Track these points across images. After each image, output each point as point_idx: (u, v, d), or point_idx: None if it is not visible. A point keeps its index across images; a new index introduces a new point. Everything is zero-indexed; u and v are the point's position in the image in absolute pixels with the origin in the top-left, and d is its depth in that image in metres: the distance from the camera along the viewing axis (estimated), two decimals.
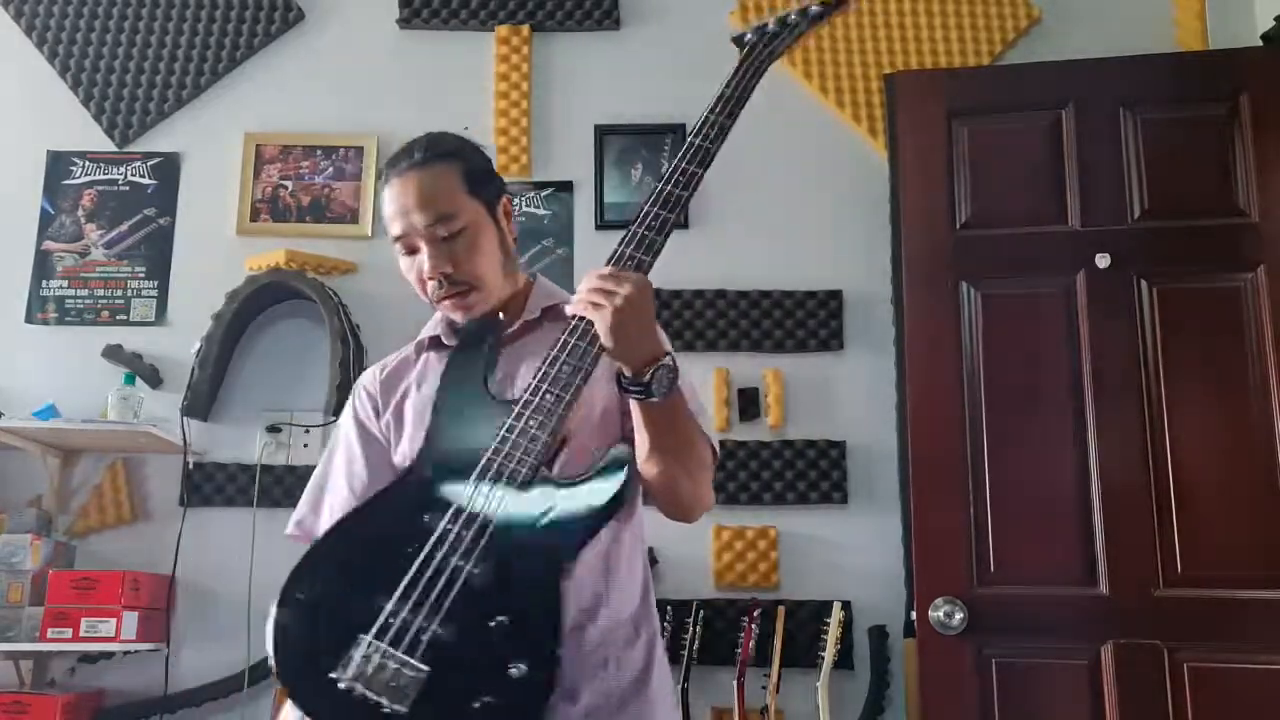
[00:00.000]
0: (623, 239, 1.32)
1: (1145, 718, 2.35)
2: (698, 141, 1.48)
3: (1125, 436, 2.48)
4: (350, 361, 2.82)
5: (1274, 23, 2.74)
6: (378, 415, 1.54)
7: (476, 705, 1.16)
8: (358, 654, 1.20)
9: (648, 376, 1.26)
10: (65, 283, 3.04)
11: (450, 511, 1.26)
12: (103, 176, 3.11)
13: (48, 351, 2.98)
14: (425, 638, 1.19)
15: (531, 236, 3.05)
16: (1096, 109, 2.66)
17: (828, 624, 2.66)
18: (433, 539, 1.24)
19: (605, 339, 1.24)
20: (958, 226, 2.67)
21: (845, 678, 2.74)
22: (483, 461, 1.27)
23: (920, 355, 2.62)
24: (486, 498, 1.25)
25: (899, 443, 2.78)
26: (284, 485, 2.87)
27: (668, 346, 1.30)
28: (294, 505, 2.90)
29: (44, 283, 3.04)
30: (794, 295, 2.98)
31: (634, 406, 1.32)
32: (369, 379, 1.59)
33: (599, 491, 1.26)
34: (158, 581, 2.75)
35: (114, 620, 2.54)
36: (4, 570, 2.58)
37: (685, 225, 3.04)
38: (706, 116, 1.52)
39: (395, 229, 1.49)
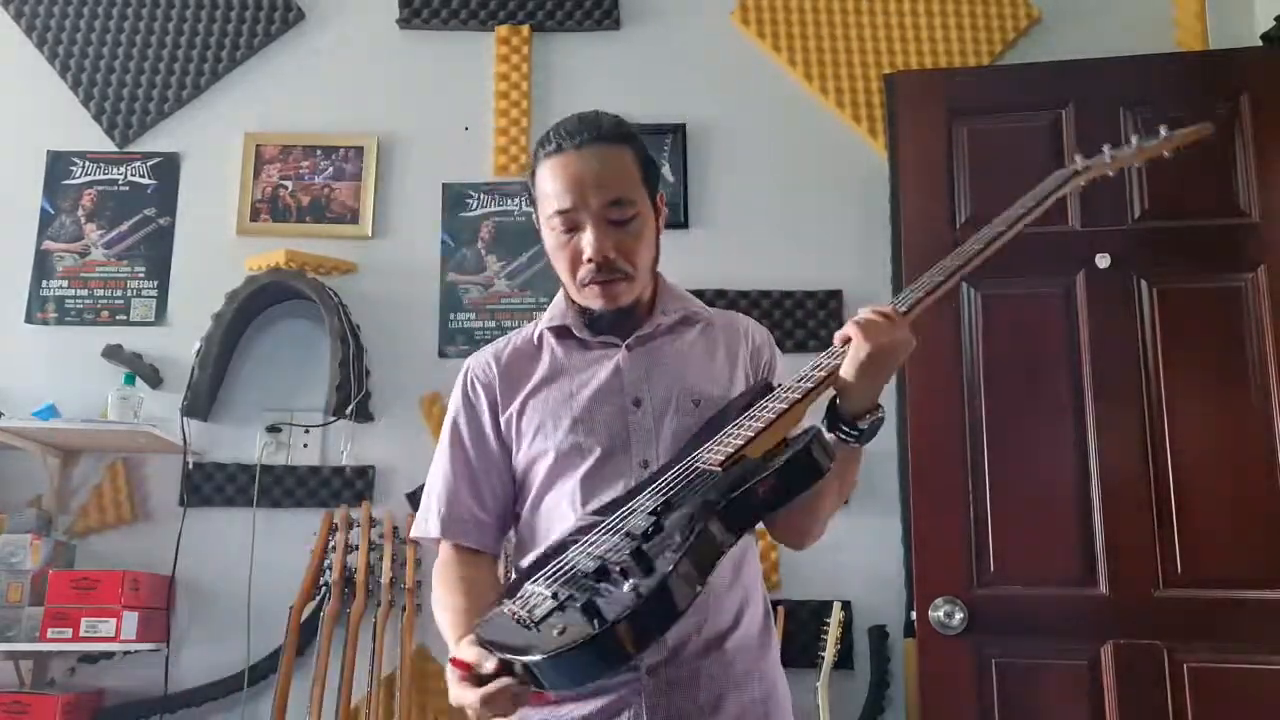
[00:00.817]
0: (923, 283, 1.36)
1: (1145, 718, 2.35)
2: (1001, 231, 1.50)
3: (1125, 436, 2.48)
4: (350, 361, 2.82)
5: (1274, 23, 2.74)
6: (497, 410, 1.47)
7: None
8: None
9: (865, 424, 1.28)
10: (65, 283, 3.04)
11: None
12: (103, 176, 3.11)
13: (48, 351, 2.98)
14: (572, 571, 1.14)
15: (531, 236, 3.03)
16: (1096, 109, 2.66)
17: (828, 624, 2.66)
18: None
19: (850, 368, 1.25)
20: (958, 226, 2.67)
21: (845, 678, 2.74)
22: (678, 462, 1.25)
23: (920, 355, 2.61)
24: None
25: (899, 443, 2.78)
26: (284, 485, 2.87)
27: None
28: (294, 505, 2.90)
29: (44, 283, 3.04)
30: (794, 295, 2.98)
31: (840, 449, 1.30)
32: (481, 368, 1.50)
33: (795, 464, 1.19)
34: (158, 581, 2.75)
35: (114, 620, 2.54)
36: (4, 570, 2.58)
37: (685, 225, 3.05)
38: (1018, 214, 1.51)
39: (562, 203, 1.38)
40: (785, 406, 1.25)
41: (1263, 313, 2.50)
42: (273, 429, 2.90)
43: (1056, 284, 2.60)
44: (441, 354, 2.97)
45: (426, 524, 1.47)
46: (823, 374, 1.27)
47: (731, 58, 3.18)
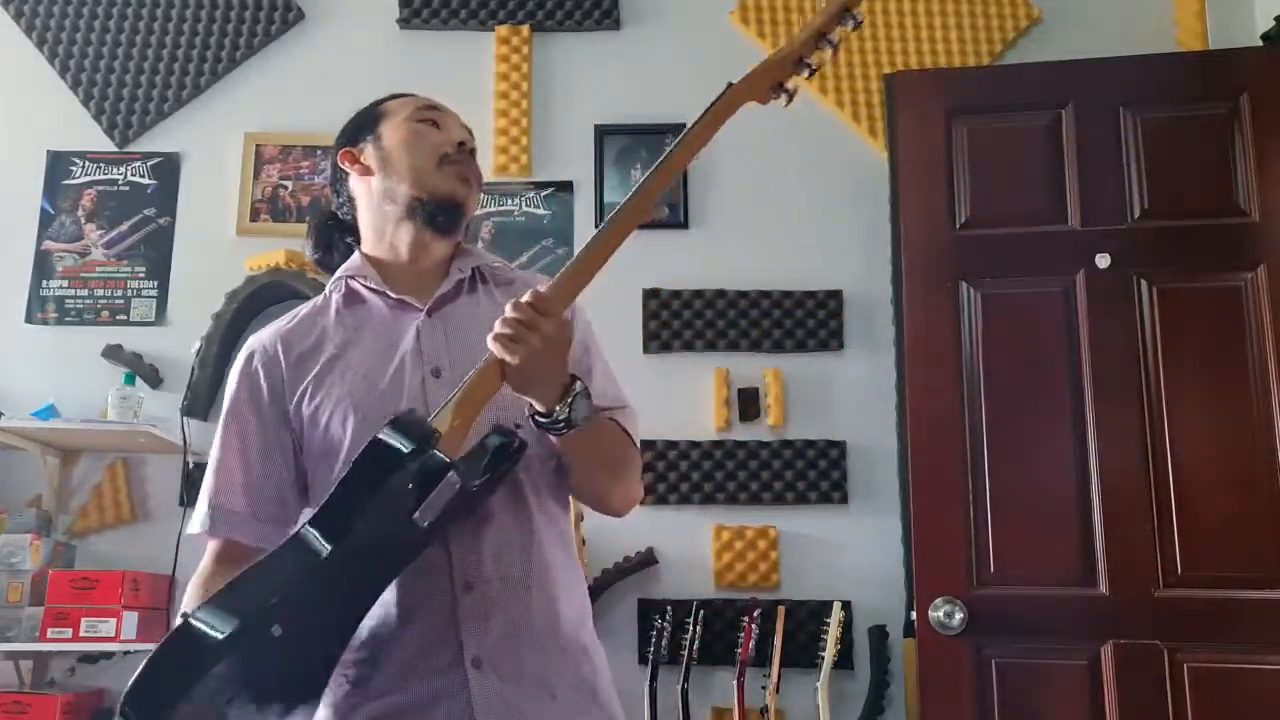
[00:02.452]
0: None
1: (1145, 718, 2.35)
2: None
3: (1125, 436, 2.48)
4: None
5: (1274, 23, 2.74)
6: (282, 393, 1.36)
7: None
8: None
9: (566, 412, 1.23)
10: (65, 283, 3.04)
11: None
12: (103, 176, 3.11)
13: (48, 351, 2.98)
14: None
15: (531, 236, 3.05)
16: (1096, 109, 2.66)
17: (828, 624, 2.66)
18: None
19: (513, 377, 1.21)
20: (958, 226, 2.67)
21: (845, 678, 2.74)
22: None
23: (920, 355, 2.62)
24: None
25: (899, 443, 2.78)
26: None
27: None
28: None
29: (44, 283, 3.04)
30: (794, 295, 2.98)
31: (554, 439, 1.28)
32: (263, 346, 1.39)
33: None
34: (157, 581, 2.75)
35: (114, 620, 2.54)
36: (4, 570, 2.58)
37: (685, 225, 3.05)
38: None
39: (426, 105, 1.49)
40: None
41: (1263, 313, 2.50)
42: None
43: (1056, 284, 2.60)
44: None
45: (204, 521, 1.34)
46: (478, 380, 1.23)
47: (731, 58, 3.17)
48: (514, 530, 1.31)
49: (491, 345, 1.21)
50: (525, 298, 1.21)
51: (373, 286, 1.40)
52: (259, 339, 1.40)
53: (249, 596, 1.16)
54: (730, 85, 1.39)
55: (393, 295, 1.39)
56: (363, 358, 1.35)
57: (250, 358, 1.38)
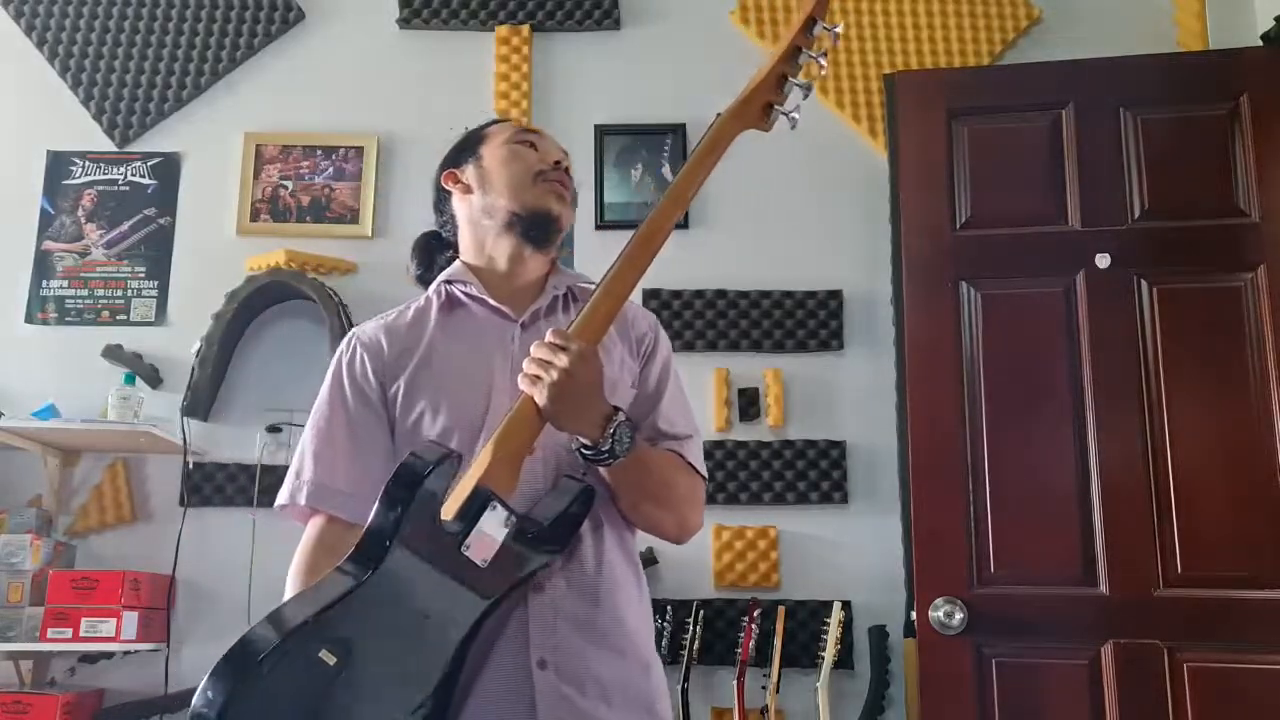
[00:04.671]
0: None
1: (1145, 718, 2.35)
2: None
3: (1125, 436, 2.48)
4: None
5: (1274, 23, 2.74)
6: (382, 381, 1.43)
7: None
8: None
9: (607, 443, 1.27)
10: (65, 283, 3.04)
11: None
12: (103, 176, 3.11)
13: (48, 351, 2.98)
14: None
15: None
16: (1096, 109, 2.66)
17: (828, 624, 2.66)
18: None
19: (545, 412, 1.25)
20: (958, 226, 2.67)
21: (845, 678, 2.74)
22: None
23: (920, 355, 2.62)
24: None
25: (899, 443, 2.78)
26: None
27: (615, 403, 1.30)
28: None
29: (44, 283, 3.04)
30: (794, 295, 2.98)
31: (602, 470, 1.32)
32: (369, 335, 1.48)
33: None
34: (158, 581, 2.75)
35: (114, 620, 2.54)
36: (4, 570, 2.58)
37: (685, 225, 3.05)
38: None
39: (529, 130, 1.55)
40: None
41: (1263, 313, 2.50)
42: (273, 429, 2.90)
43: (1056, 284, 2.60)
44: None
45: (292, 494, 1.41)
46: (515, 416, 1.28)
47: (731, 58, 3.17)
48: (588, 541, 1.36)
49: (520, 383, 1.27)
50: (548, 335, 1.27)
51: (472, 293, 1.47)
52: (363, 329, 1.48)
53: (295, 613, 1.18)
54: (718, 116, 1.41)
55: (491, 302, 1.45)
56: (456, 358, 1.41)
57: (353, 345, 1.46)
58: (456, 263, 1.52)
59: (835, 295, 2.98)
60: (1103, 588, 2.43)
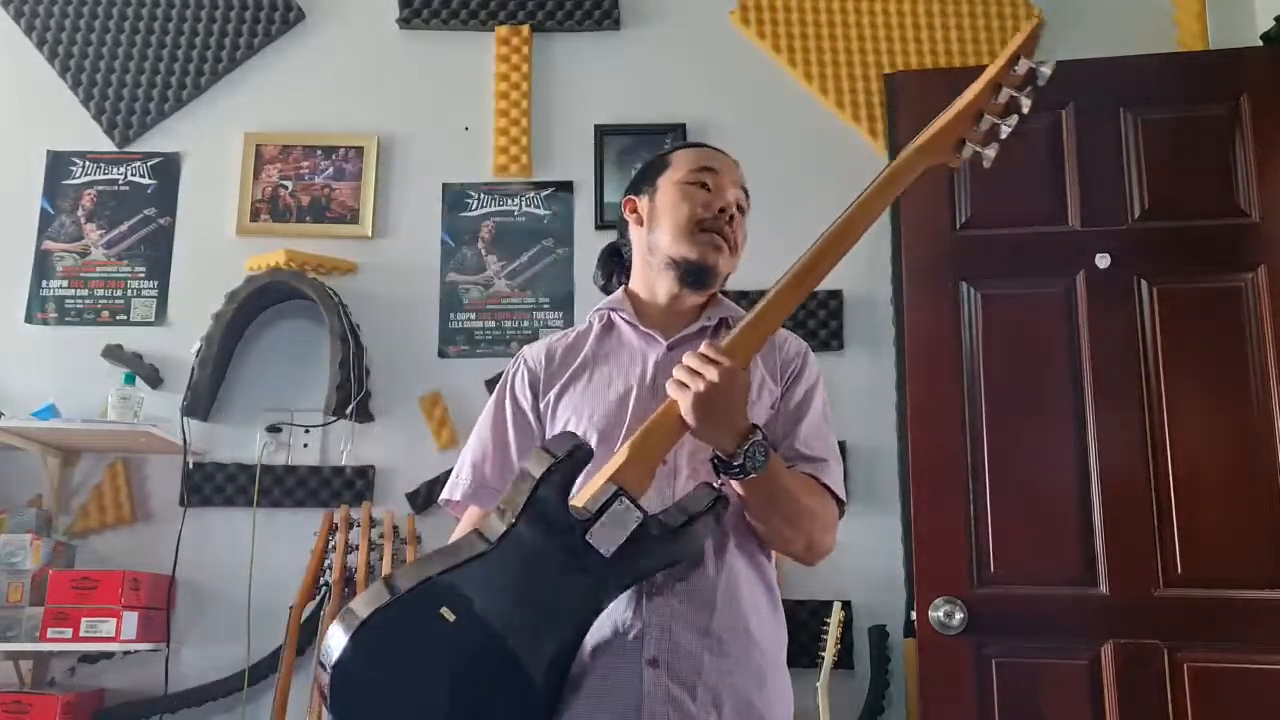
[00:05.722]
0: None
1: (1145, 718, 2.35)
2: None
3: (1125, 436, 2.48)
4: (350, 361, 2.82)
5: (1274, 23, 2.74)
6: (538, 394, 1.53)
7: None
8: None
9: (741, 458, 1.30)
10: (65, 283, 3.04)
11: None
12: (103, 176, 3.11)
13: (48, 351, 2.98)
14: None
15: (531, 236, 3.05)
16: (1096, 109, 2.66)
17: (828, 624, 2.66)
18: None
19: (688, 419, 1.29)
20: (958, 226, 2.67)
21: (845, 678, 2.74)
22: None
23: (920, 355, 2.62)
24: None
25: (899, 443, 2.78)
26: (284, 485, 2.86)
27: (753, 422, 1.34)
28: (295, 505, 2.92)
29: (44, 283, 3.04)
30: None
31: (735, 484, 1.35)
32: (533, 353, 1.58)
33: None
34: (158, 581, 2.75)
35: (114, 620, 2.54)
36: (4, 570, 2.58)
37: None
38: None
39: (705, 162, 1.54)
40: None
41: (1263, 313, 2.50)
42: (273, 429, 2.90)
43: (1056, 284, 2.60)
44: (441, 354, 2.97)
45: (454, 489, 1.52)
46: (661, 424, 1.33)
47: (731, 58, 3.18)
48: (711, 548, 1.38)
49: (668, 388, 1.32)
50: (701, 347, 1.32)
51: (626, 318, 1.55)
52: (531, 346, 1.60)
53: (425, 568, 1.24)
54: (905, 149, 1.43)
55: (641, 327, 1.53)
56: (605, 374, 1.50)
57: (519, 361, 1.58)
58: (619, 291, 1.60)
59: (835, 295, 2.98)
60: (1103, 588, 2.43)
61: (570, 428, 1.45)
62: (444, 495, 1.54)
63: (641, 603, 1.34)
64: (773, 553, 1.49)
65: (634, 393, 1.46)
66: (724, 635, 1.36)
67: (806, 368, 1.56)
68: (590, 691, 1.32)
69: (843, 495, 1.49)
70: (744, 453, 1.30)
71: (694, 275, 1.52)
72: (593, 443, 1.39)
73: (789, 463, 1.45)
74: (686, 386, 1.29)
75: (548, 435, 1.50)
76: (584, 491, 1.30)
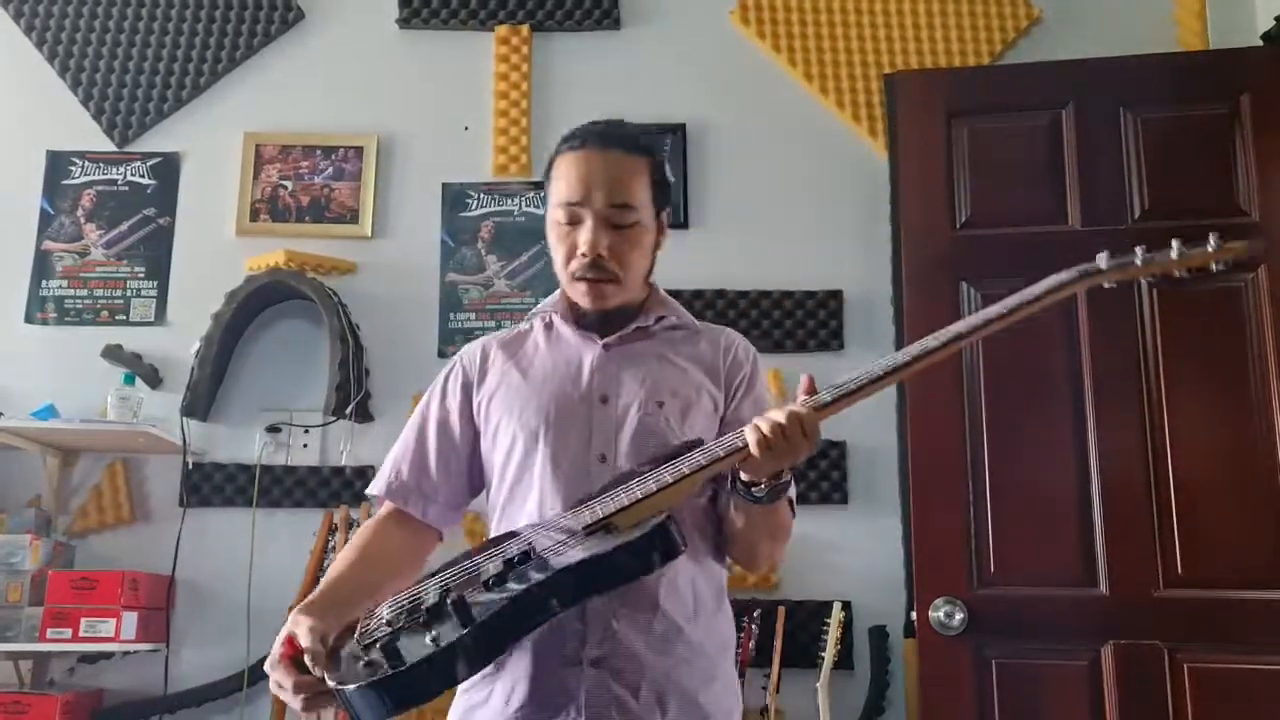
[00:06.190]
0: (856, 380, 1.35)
1: (1145, 718, 2.35)
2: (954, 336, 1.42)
3: (1125, 437, 2.48)
4: (350, 361, 2.82)
5: (1274, 23, 2.74)
6: (471, 393, 1.52)
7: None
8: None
9: (763, 490, 1.30)
10: (65, 283, 3.04)
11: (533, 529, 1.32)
12: (102, 176, 3.11)
13: (48, 351, 2.98)
14: (416, 601, 1.25)
15: (531, 236, 3.05)
16: (1096, 109, 2.66)
17: (828, 624, 2.66)
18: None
19: (756, 468, 1.27)
20: (958, 226, 2.67)
21: (845, 678, 2.74)
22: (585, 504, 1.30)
23: None
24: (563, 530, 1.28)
25: (899, 443, 2.78)
26: (283, 485, 2.86)
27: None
28: (294, 505, 2.92)
29: (44, 283, 3.04)
30: (794, 295, 2.98)
31: (734, 499, 1.35)
32: (470, 353, 1.57)
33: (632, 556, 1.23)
34: (157, 581, 2.75)
35: (113, 620, 2.54)
36: (3, 570, 2.58)
37: (685, 225, 3.05)
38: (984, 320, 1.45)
39: (569, 195, 1.45)
40: (669, 481, 1.26)
41: (1263, 313, 2.50)
42: (272, 429, 2.90)
43: None
44: (441, 354, 2.97)
45: (375, 484, 1.53)
46: (720, 455, 1.28)
47: (731, 58, 3.17)
48: None
49: (748, 434, 1.25)
50: (800, 409, 1.26)
51: (563, 320, 1.52)
52: (470, 346, 1.58)
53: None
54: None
55: (579, 328, 1.51)
56: (540, 373, 1.48)
57: (458, 360, 1.56)
58: (558, 292, 1.56)
59: (835, 295, 2.98)
60: (1103, 588, 2.43)
61: (502, 427, 1.45)
62: (371, 489, 1.55)
63: (584, 603, 1.31)
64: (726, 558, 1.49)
65: (568, 392, 1.45)
66: (668, 634, 1.36)
67: (756, 375, 1.54)
68: (533, 692, 1.31)
69: (795, 507, 1.48)
70: (767, 485, 1.30)
71: (586, 316, 1.50)
72: (522, 441, 1.42)
73: None
74: (771, 448, 1.24)
75: (483, 434, 1.49)
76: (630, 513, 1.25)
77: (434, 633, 1.15)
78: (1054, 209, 2.65)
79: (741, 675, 2.63)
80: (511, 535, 1.34)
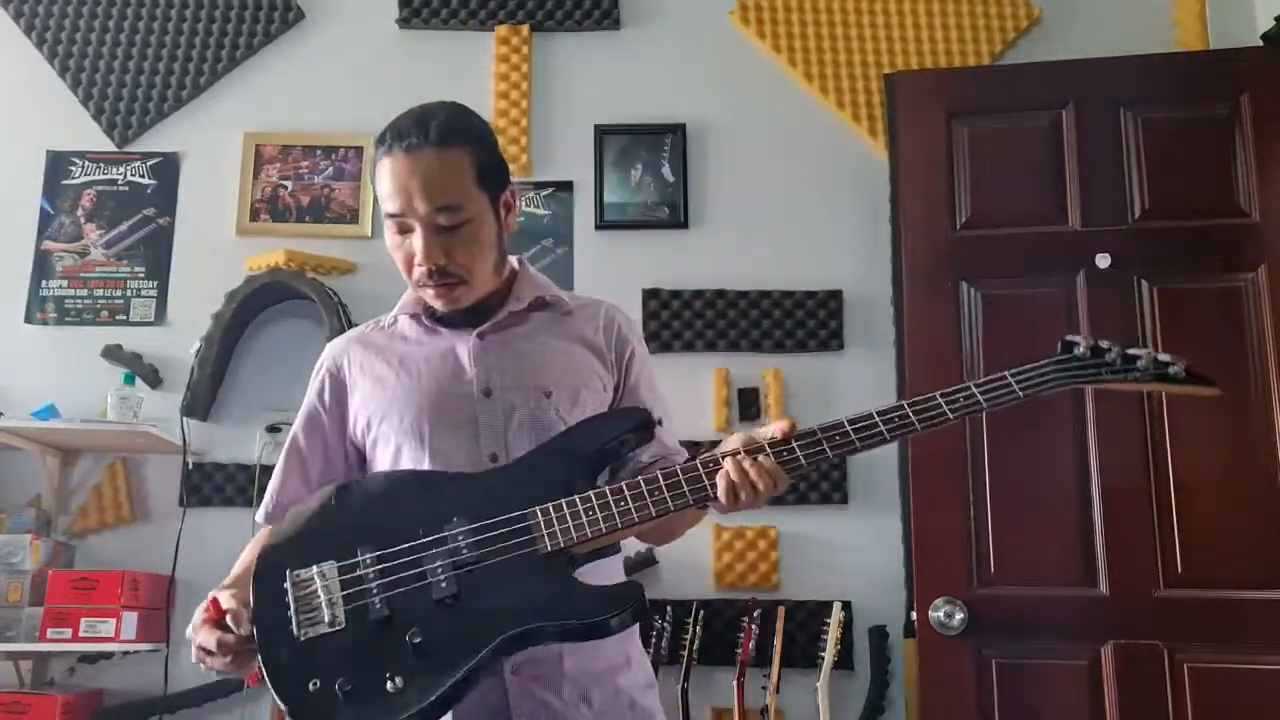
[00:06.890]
0: (821, 433, 1.35)
1: (1145, 718, 2.35)
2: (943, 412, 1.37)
3: (1125, 436, 2.48)
4: None
5: (1274, 23, 2.74)
6: (343, 395, 1.48)
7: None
8: (316, 570, 1.23)
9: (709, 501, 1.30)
10: (65, 283, 3.04)
11: (470, 525, 1.24)
12: (102, 176, 3.11)
13: (48, 351, 2.98)
14: (365, 602, 1.20)
15: (531, 236, 3.05)
16: (1096, 109, 2.66)
17: (828, 624, 2.66)
18: (439, 536, 1.24)
19: (723, 507, 1.28)
20: (958, 226, 2.67)
21: (845, 678, 2.74)
22: (535, 511, 1.25)
23: (920, 355, 2.62)
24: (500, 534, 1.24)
25: (899, 443, 2.78)
26: None
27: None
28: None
29: (44, 283, 3.04)
30: (794, 295, 2.98)
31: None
32: (333, 354, 1.52)
33: (594, 614, 1.20)
34: (157, 581, 2.75)
35: (113, 620, 2.54)
36: (3, 570, 2.58)
37: (685, 225, 3.05)
38: (965, 396, 1.36)
39: (391, 206, 1.36)
40: (635, 520, 1.25)
41: (1263, 313, 2.50)
42: (272, 429, 2.90)
43: (1056, 284, 2.60)
44: None
45: (259, 511, 1.51)
46: (689, 503, 1.27)
47: (731, 58, 3.17)
48: None
49: (719, 481, 1.26)
50: (775, 463, 1.28)
51: (428, 315, 1.47)
52: (334, 345, 1.53)
53: None
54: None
55: (446, 322, 1.46)
56: (416, 371, 1.43)
57: (324, 367, 1.51)
58: (411, 294, 1.50)
59: (835, 295, 2.98)
60: (1103, 588, 2.43)
61: (381, 437, 1.40)
62: (257, 517, 1.52)
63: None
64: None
65: (448, 389, 1.40)
66: None
67: (637, 346, 1.52)
68: (460, 711, 1.24)
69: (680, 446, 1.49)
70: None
71: (442, 315, 1.45)
72: (411, 444, 1.37)
73: (654, 458, 1.46)
74: (739, 497, 1.25)
75: (364, 438, 1.44)
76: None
77: (389, 674, 1.15)
78: (1054, 209, 2.65)
79: (741, 675, 2.64)
80: (448, 493, 1.27)
